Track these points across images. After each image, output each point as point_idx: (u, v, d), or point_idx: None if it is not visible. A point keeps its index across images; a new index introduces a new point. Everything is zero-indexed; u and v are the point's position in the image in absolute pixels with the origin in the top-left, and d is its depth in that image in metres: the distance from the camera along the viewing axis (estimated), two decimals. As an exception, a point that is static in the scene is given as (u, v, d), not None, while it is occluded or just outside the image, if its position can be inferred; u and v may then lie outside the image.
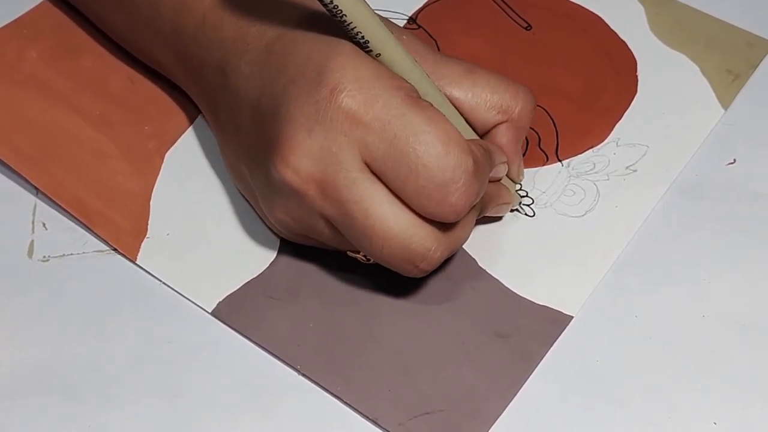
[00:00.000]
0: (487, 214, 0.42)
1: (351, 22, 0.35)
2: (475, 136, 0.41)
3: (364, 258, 0.39)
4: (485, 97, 0.40)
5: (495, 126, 0.40)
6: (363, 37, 0.35)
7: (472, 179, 0.36)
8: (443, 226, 0.37)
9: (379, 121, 0.35)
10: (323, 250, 0.41)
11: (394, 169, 0.35)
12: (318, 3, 0.35)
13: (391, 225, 0.36)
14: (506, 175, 0.42)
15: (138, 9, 0.44)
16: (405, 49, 0.37)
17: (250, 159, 0.40)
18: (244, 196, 0.43)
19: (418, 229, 0.36)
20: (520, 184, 0.44)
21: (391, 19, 0.51)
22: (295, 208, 0.38)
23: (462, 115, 0.40)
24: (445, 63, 0.40)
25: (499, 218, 0.43)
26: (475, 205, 0.38)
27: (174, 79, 0.46)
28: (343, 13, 0.34)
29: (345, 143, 0.35)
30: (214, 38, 0.41)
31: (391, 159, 0.35)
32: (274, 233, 0.42)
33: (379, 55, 0.36)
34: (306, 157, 0.36)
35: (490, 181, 0.39)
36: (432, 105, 0.36)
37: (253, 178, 0.40)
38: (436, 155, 0.35)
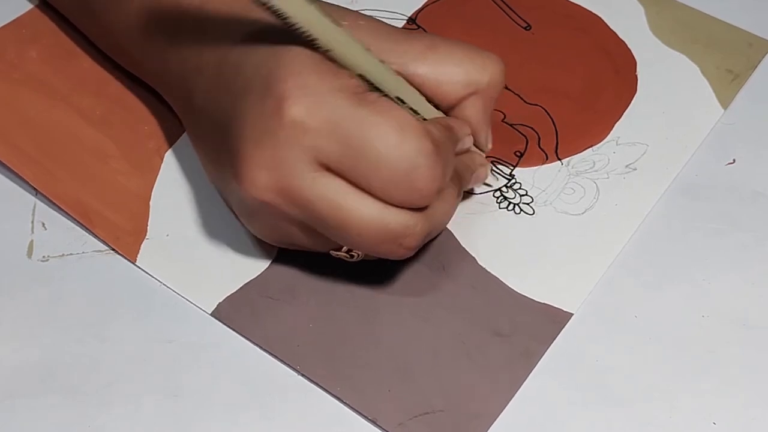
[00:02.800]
0: (468, 186, 0.42)
1: (295, 23, 0.34)
2: (438, 114, 0.40)
3: (347, 255, 0.39)
4: (450, 71, 0.39)
5: (464, 98, 0.40)
6: (309, 36, 0.35)
7: (434, 161, 0.35)
8: None
9: (329, 124, 0.35)
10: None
11: (354, 167, 0.35)
12: (264, 13, 0.35)
13: (363, 211, 0.35)
14: (475, 146, 0.42)
15: (108, 21, 0.45)
16: (358, 37, 0.36)
17: (218, 177, 0.40)
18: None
19: (393, 211, 0.36)
20: (513, 178, 0.44)
21: (391, 20, 0.51)
22: (268, 219, 0.38)
23: (428, 92, 0.39)
24: (406, 40, 0.39)
25: (510, 212, 0.43)
26: (452, 179, 0.38)
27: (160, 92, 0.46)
28: (285, 13, 0.34)
29: (297, 151, 0.35)
30: (174, 60, 0.41)
31: (349, 158, 0.35)
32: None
33: (329, 50, 0.36)
34: (260, 169, 0.35)
35: (456, 154, 0.39)
36: (381, 97, 0.36)
37: (226, 195, 0.40)
38: (393, 145, 0.34)
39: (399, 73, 0.38)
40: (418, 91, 0.39)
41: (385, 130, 0.35)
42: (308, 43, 0.35)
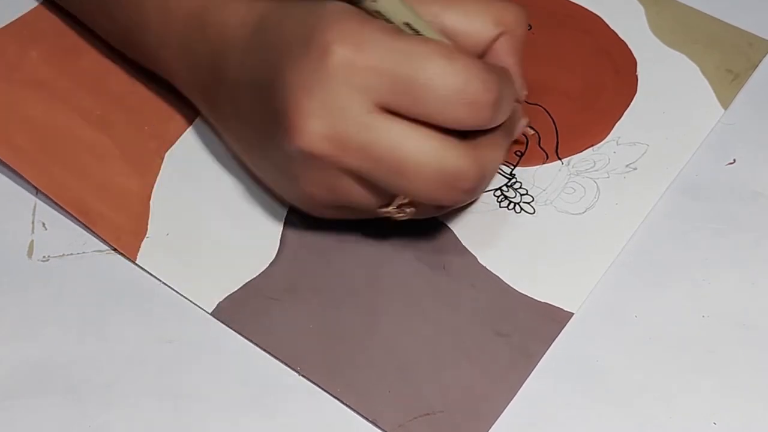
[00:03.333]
0: (514, 137, 0.42)
1: None
2: None
3: (397, 211, 0.39)
4: (479, 15, 0.40)
5: (494, 40, 0.40)
6: None
7: (487, 77, 0.36)
8: (473, 143, 0.37)
9: (375, 59, 0.35)
10: (324, 248, 0.41)
11: (409, 96, 0.35)
12: None
13: (420, 152, 0.36)
14: None
15: (126, 18, 0.45)
16: None
17: (261, 142, 0.40)
18: (269, 189, 0.43)
19: (448, 149, 0.36)
20: (514, 178, 0.44)
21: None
22: (319, 176, 0.38)
23: (460, 40, 0.40)
24: None
25: (510, 211, 0.43)
26: (503, 128, 0.39)
27: (171, 82, 0.46)
28: None
29: (347, 93, 0.35)
30: (200, 39, 0.41)
31: (402, 87, 0.35)
32: (301, 213, 0.42)
33: (375, 1, 0.37)
34: (313, 118, 0.36)
35: None
36: (419, 36, 0.37)
37: (270, 161, 0.40)
38: (443, 65, 0.35)
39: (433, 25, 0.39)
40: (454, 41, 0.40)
41: (433, 54, 0.35)
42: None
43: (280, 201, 0.43)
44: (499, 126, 0.39)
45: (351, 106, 0.35)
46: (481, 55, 0.41)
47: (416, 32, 0.38)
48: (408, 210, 0.39)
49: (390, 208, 0.39)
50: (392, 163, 0.36)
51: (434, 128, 0.36)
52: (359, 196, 0.38)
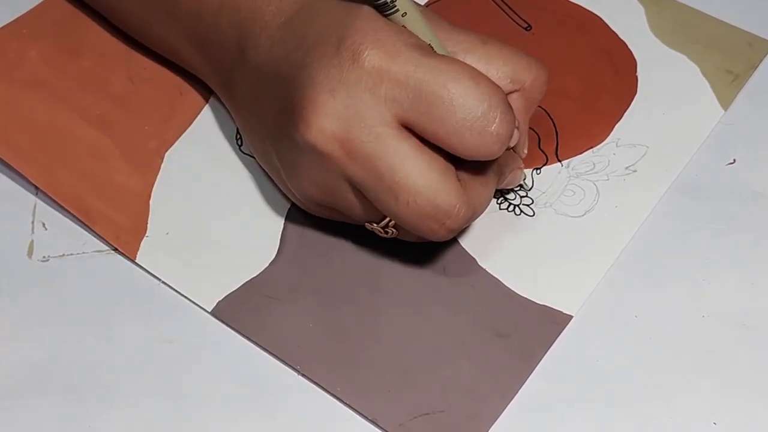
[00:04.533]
0: (502, 185, 0.42)
1: None
2: None
3: (382, 230, 0.39)
4: (498, 65, 0.40)
5: (508, 94, 0.40)
6: None
7: (507, 108, 0.36)
8: (468, 182, 0.37)
9: (404, 72, 0.35)
10: (324, 248, 0.41)
11: (428, 113, 0.35)
12: None
13: (418, 179, 0.36)
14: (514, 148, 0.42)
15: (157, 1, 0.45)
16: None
17: (274, 130, 0.40)
18: (271, 178, 0.43)
19: (444, 184, 0.36)
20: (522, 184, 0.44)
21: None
22: (320, 174, 0.38)
23: None
24: (459, 31, 0.40)
25: (510, 213, 0.43)
26: (495, 170, 0.39)
27: (186, 64, 0.46)
28: None
29: (370, 100, 0.36)
30: (232, 20, 0.41)
31: (423, 104, 0.35)
32: (293, 206, 0.43)
33: (405, 14, 0.37)
34: (330, 117, 0.36)
35: None
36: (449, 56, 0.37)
37: (278, 152, 0.40)
38: (467, 87, 0.35)
39: None
40: None
41: (459, 75, 0.36)
42: (380, 6, 0.37)
43: (281, 193, 0.43)
44: (493, 164, 0.39)
45: (370, 113, 0.36)
46: None
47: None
48: (393, 231, 0.39)
49: (376, 225, 0.39)
50: (389, 183, 0.36)
51: (440, 156, 0.36)
52: (352, 204, 0.38)
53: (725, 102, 0.48)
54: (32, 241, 0.43)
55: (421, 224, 0.37)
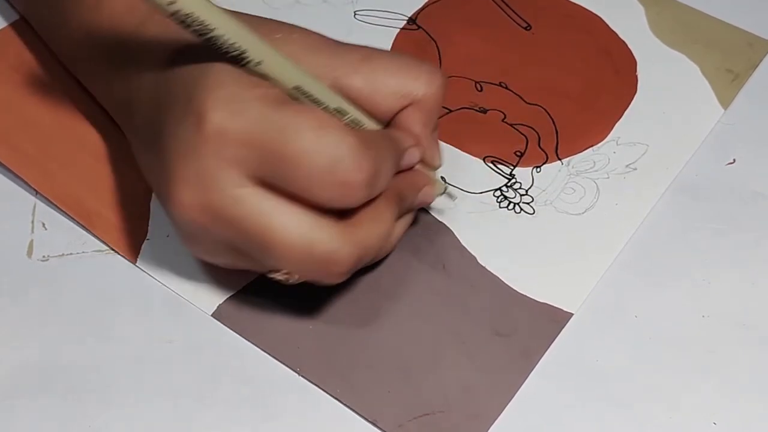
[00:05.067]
0: (415, 206, 0.40)
1: (222, 36, 0.34)
2: (375, 127, 0.39)
3: (283, 277, 0.37)
4: (384, 82, 0.38)
5: (400, 110, 0.38)
6: (238, 49, 0.34)
7: (358, 152, 0.34)
8: (347, 222, 0.36)
9: (247, 132, 0.34)
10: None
11: (277, 171, 0.34)
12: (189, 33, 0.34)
13: (287, 233, 0.34)
14: (423, 162, 0.40)
15: (62, 52, 0.45)
16: (292, 50, 0.36)
17: (156, 197, 0.39)
18: None
19: (317, 231, 0.35)
20: (513, 178, 0.44)
21: (391, 20, 0.51)
22: (199, 240, 0.37)
23: (364, 105, 0.38)
24: (340, 53, 0.38)
25: (510, 211, 0.43)
26: (389, 199, 0.37)
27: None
28: (210, 27, 0.33)
29: (219, 165, 0.34)
30: (117, 79, 0.41)
31: (271, 162, 0.34)
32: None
33: (260, 63, 0.35)
34: (186, 186, 0.35)
35: (405, 170, 0.39)
36: (301, 101, 0.35)
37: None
38: (310, 140, 0.33)
39: (334, 88, 0.37)
40: (355, 104, 0.38)
41: (302, 127, 0.34)
42: (235, 58, 0.35)
43: None
44: (381, 197, 0.37)
45: (222, 178, 0.34)
46: (386, 117, 0.39)
47: (309, 96, 0.36)
48: (295, 278, 0.37)
49: (276, 275, 0.37)
50: (261, 241, 0.35)
51: (310, 205, 0.35)
52: (243, 262, 0.37)
53: (725, 101, 0.48)
54: (32, 241, 0.43)
55: (307, 273, 0.36)
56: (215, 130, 0.34)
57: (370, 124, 0.39)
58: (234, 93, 0.34)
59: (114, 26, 0.41)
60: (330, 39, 0.39)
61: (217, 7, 0.34)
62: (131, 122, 0.40)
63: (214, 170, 0.34)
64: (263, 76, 0.35)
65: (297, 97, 0.36)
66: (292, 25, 0.39)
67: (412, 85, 0.38)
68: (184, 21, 0.33)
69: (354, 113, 0.38)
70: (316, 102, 0.36)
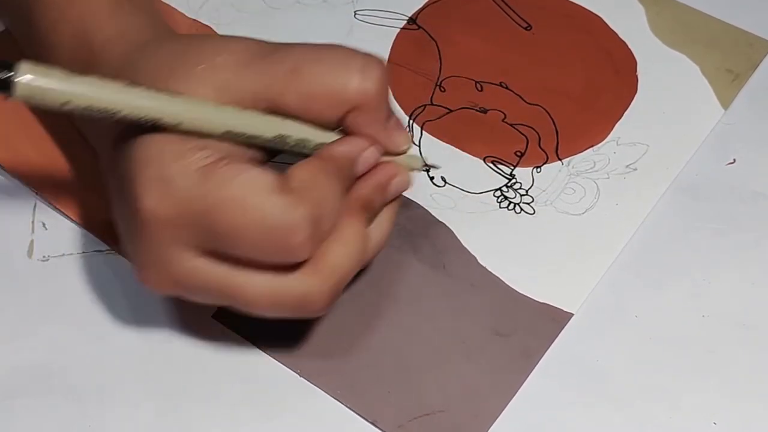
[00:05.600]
0: (389, 198, 0.38)
1: (130, 113, 0.33)
2: (330, 135, 0.37)
3: None
4: (317, 93, 0.36)
5: (344, 117, 0.36)
6: (152, 118, 0.34)
7: (291, 213, 0.33)
8: (312, 260, 0.35)
9: (178, 214, 0.34)
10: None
11: (225, 244, 0.34)
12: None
13: (253, 290, 0.35)
14: (387, 153, 0.39)
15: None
16: (218, 78, 0.35)
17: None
18: None
19: (282, 280, 0.34)
20: (514, 178, 0.44)
21: (392, 19, 0.51)
22: (192, 300, 0.37)
23: (304, 117, 0.36)
24: (268, 69, 0.35)
25: (510, 211, 0.43)
26: (352, 214, 0.36)
27: None
28: (117, 110, 0.33)
29: (164, 246, 0.34)
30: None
31: (214, 237, 0.34)
32: None
33: (179, 123, 0.34)
34: (146, 269, 0.35)
35: (360, 176, 0.37)
36: (228, 164, 0.34)
37: None
38: (240, 215, 0.33)
39: (271, 110, 0.36)
40: (297, 120, 0.36)
41: (229, 203, 0.33)
42: (154, 128, 0.34)
43: None
44: (344, 215, 0.36)
45: (172, 256, 0.34)
46: (334, 125, 0.37)
47: (242, 136, 0.35)
48: None
49: None
50: (232, 300, 0.35)
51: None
52: (241, 310, 0.37)
53: (725, 101, 0.48)
54: (32, 241, 0.43)
55: (288, 315, 0.36)
56: (150, 216, 0.34)
57: (318, 136, 0.37)
58: (160, 171, 0.34)
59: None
60: (260, 47, 0.36)
61: (114, 83, 0.33)
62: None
63: (162, 251, 0.34)
64: (189, 134, 0.34)
65: (230, 139, 0.35)
66: (220, 38, 0.38)
67: (347, 90, 0.36)
68: (84, 113, 0.33)
69: (296, 134, 0.36)
70: (251, 138, 0.35)
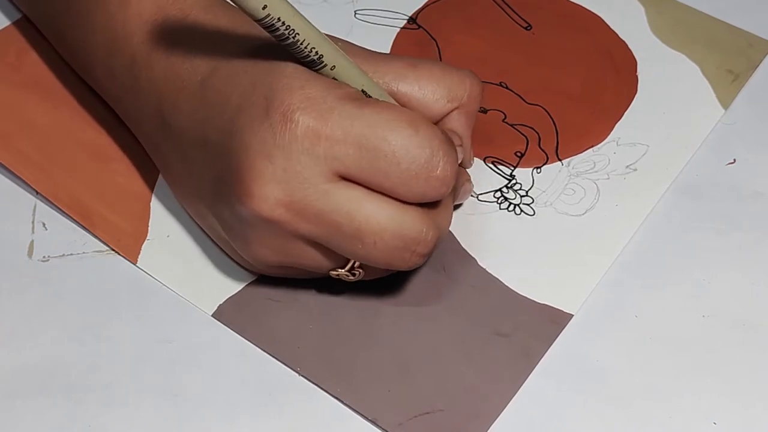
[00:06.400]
0: (455, 201, 0.42)
1: (304, 40, 0.34)
2: None
3: (349, 274, 0.38)
4: (432, 88, 0.39)
5: (446, 114, 0.40)
6: (317, 53, 0.35)
7: (449, 148, 0.36)
8: (428, 206, 0.37)
9: (341, 129, 0.35)
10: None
11: (372, 167, 0.35)
12: (252, 30, 0.35)
13: (379, 218, 0.35)
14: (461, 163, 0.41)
15: (74, 51, 0.44)
16: (348, 56, 0.37)
17: (211, 198, 0.39)
18: (209, 236, 0.42)
19: (405, 214, 0.36)
20: (514, 179, 0.44)
21: (392, 19, 0.51)
22: (271, 238, 0.37)
23: (414, 108, 0.39)
24: (386, 61, 0.39)
25: (510, 212, 0.43)
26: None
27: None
28: (296, 32, 0.34)
29: (309, 161, 0.35)
30: (147, 78, 0.40)
31: (366, 159, 0.35)
32: (246, 269, 0.41)
33: (334, 67, 0.36)
34: (271, 183, 0.35)
35: None
36: (384, 101, 0.37)
37: (219, 217, 0.39)
38: (407, 137, 0.35)
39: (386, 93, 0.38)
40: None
41: (398, 124, 0.35)
42: (309, 61, 0.35)
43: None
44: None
45: (312, 174, 0.35)
46: (434, 122, 0.40)
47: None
48: (359, 273, 0.38)
49: (341, 271, 0.38)
50: (351, 229, 0.35)
51: (393, 197, 0.36)
52: (312, 259, 0.38)
53: (725, 102, 0.48)
54: (32, 241, 0.43)
55: (393, 258, 0.36)
56: (308, 129, 0.35)
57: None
58: (318, 93, 0.35)
59: (144, 23, 0.40)
60: (370, 50, 0.40)
61: (299, 13, 0.34)
62: (165, 126, 0.40)
63: (306, 166, 0.35)
64: (333, 79, 0.36)
65: None
66: (332, 36, 0.39)
67: (457, 90, 0.39)
68: (272, 26, 0.33)
69: None
70: None
